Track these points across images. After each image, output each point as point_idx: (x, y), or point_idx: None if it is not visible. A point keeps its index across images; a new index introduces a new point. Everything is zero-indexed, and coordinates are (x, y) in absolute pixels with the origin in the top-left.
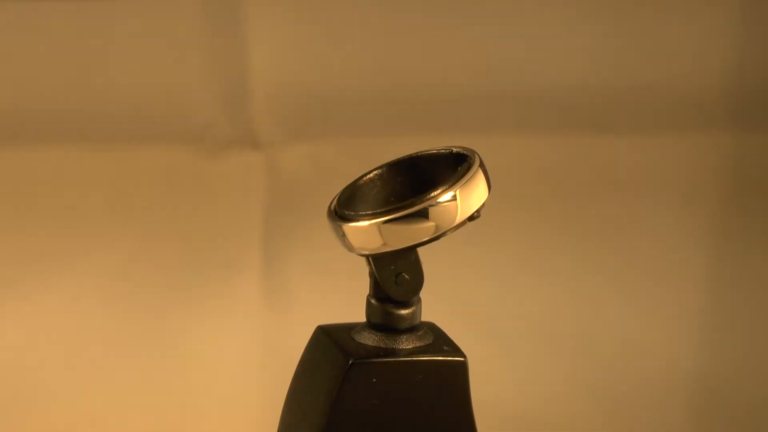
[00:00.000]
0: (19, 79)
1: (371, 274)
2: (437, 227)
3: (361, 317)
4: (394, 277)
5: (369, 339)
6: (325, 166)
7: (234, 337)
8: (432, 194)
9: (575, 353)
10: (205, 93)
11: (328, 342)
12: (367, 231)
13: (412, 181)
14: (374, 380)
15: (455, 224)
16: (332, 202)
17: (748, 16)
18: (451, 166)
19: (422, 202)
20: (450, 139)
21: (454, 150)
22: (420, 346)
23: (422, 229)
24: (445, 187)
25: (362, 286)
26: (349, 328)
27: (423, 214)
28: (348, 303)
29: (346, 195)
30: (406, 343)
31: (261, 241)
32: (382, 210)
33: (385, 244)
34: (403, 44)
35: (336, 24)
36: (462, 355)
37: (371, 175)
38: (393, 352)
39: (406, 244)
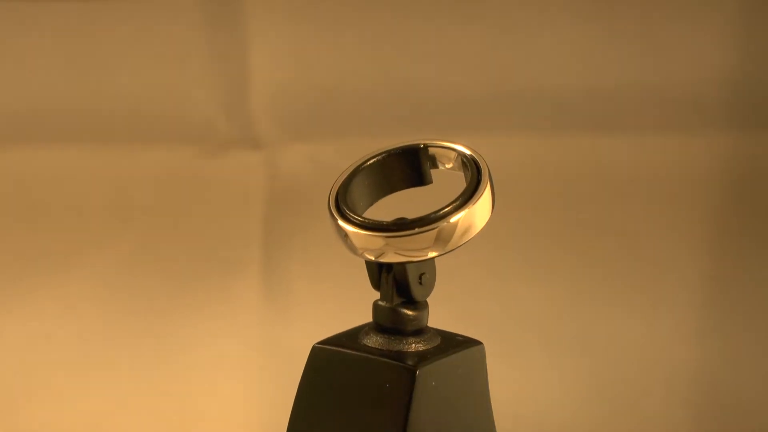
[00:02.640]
0: (20, 79)
1: (388, 278)
2: (445, 246)
3: (360, 316)
4: (419, 277)
5: (392, 344)
6: (325, 166)
7: (234, 337)
8: (443, 212)
9: (575, 353)
10: (205, 93)
11: (355, 356)
12: (372, 241)
13: (409, 169)
14: (433, 383)
15: (463, 243)
16: (330, 195)
17: (748, 16)
18: (448, 159)
19: (433, 222)
20: (450, 139)
21: (457, 148)
22: (440, 344)
23: (429, 247)
24: (456, 206)
25: (362, 286)
26: (352, 337)
27: (431, 231)
28: (348, 303)
29: (345, 186)
30: (427, 343)
31: (261, 241)
32: (391, 224)
33: (388, 255)
34: (402, 44)
35: (336, 24)
36: (478, 342)
37: (369, 163)
38: (429, 353)
39: (411, 259)
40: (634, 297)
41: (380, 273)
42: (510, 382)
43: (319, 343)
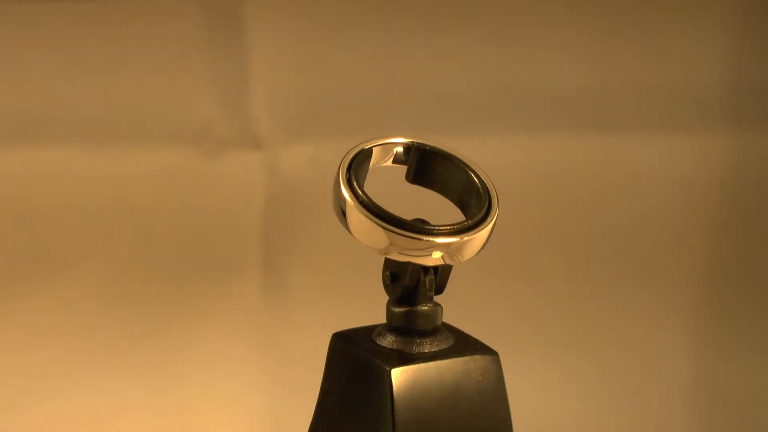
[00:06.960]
0: (20, 79)
1: (433, 280)
2: (451, 259)
3: (360, 316)
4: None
5: (436, 344)
6: (325, 166)
7: (234, 337)
8: (440, 231)
9: (574, 353)
10: (205, 93)
11: (441, 364)
12: (376, 232)
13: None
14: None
15: (467, 258)
16: (341, 173)
17: (747, 16)
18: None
19: (429, 235)
20: (450, 139)
21: (455, 157)
22: (454, 331)
23: (432, 258)
24: (456, 230)
25: (362, 285)
26: (387, 349)
27: (433, 245)
28: (348, 302)
29: (355, 170)
30: (450, 332)
31: (261, 241)
32: (402, 224)
33: (392, 253)
34: (402, 44)
35: (336, 24)
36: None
37: (373, 151)
38: (468, 339)
39: (415, 263)
40: (634, 297)
41: (418, 277)
42: (508, 382)
43: (390, 365)
